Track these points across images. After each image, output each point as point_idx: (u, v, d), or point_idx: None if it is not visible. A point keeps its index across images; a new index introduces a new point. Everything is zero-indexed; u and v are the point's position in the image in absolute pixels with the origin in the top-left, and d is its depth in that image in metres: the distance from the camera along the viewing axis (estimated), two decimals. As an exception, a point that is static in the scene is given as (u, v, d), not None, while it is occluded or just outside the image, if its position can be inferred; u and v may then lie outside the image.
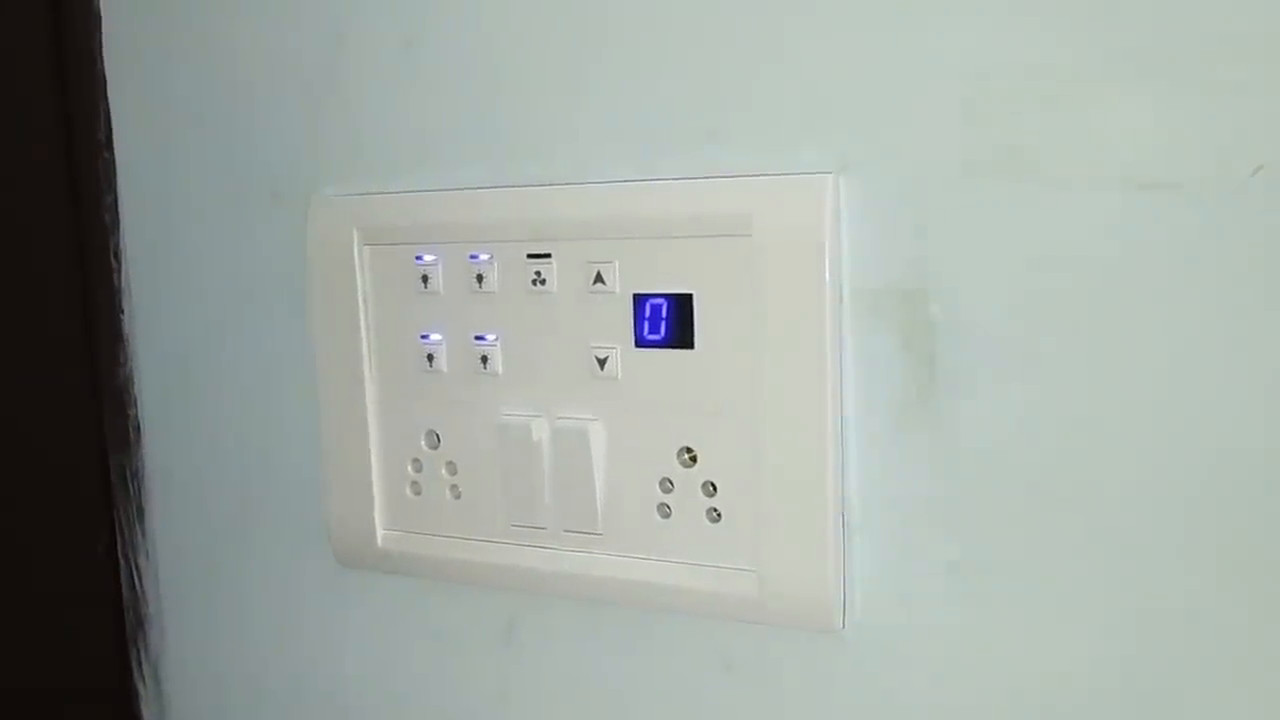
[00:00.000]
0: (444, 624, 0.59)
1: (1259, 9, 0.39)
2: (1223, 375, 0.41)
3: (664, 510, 0.51)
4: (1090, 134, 0.42)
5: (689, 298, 0.49)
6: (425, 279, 0.55)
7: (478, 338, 0.54)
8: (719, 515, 0.50)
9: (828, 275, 0.46)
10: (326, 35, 0.57)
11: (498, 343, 0.53)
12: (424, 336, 0.55)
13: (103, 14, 0.64)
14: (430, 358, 0.55)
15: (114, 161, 0.66)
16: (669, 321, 0.50)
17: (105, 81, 0.65)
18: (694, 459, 0.50)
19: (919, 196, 0.45)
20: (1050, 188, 0.43)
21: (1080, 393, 0.44)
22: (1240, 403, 0.41)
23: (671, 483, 0.51)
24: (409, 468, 0.57)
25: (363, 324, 0.57)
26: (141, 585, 0.69)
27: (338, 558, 0.60)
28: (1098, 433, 0.43)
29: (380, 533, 0.58)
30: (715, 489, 0.50)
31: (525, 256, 0.52)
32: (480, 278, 0.53)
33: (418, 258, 0.55)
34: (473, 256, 0.53)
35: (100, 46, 0.65)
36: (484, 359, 0.54)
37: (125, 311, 0.67)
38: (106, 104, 0.65)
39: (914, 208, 0.45)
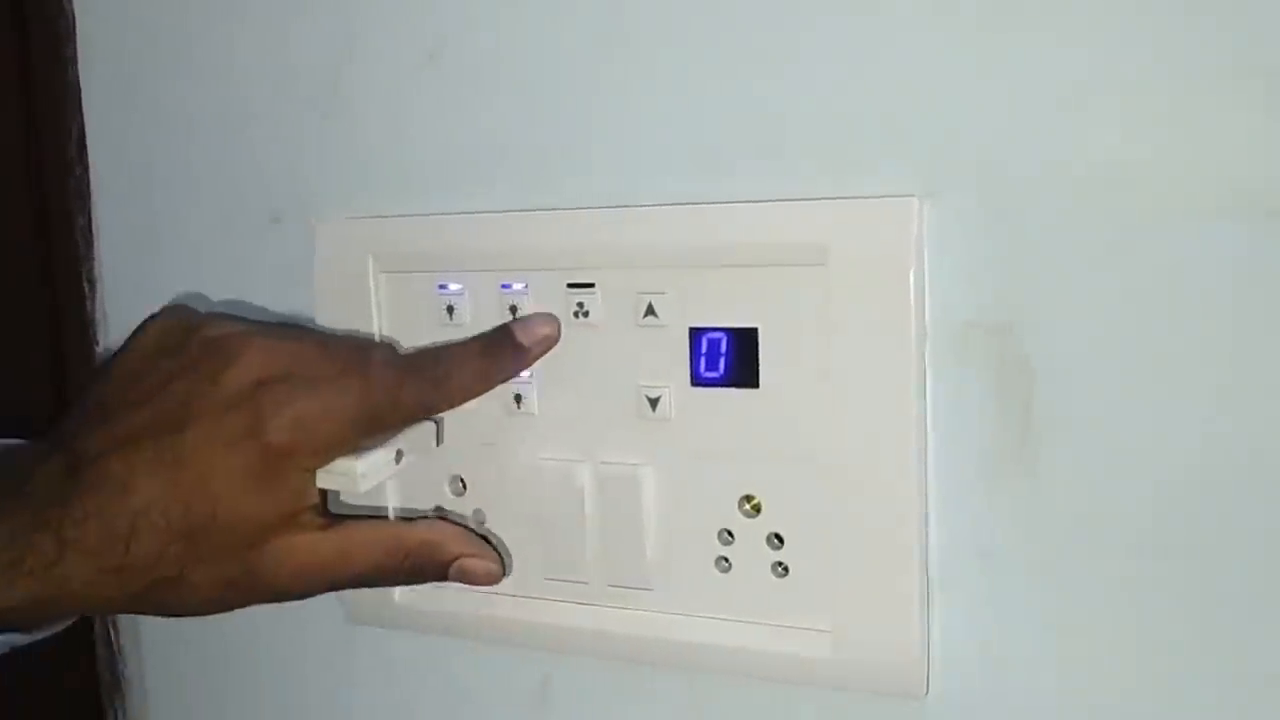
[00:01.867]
0: (469, 686, 0.54)
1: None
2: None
3: (723, 564, 0.47)
4: (1205, 155, 0.39)
5: (753, 332, 0.45)
6: (450, 310, 0.50)
7: (511, 375, 0.49)
8: (786, 570, 0.46)
9: (912, 308, 0.42)
10: (336, 45, 0.52)
11: (533, 380, 0.49)
12: (448, 373, 0.50)
13: (76, 16, 0.58)
14: (456, 396, 0.50)
15: (87, 180, 0.60)
16: (729, 358, 0.45)
17: (79, 92, 0.59)
18: (757, 509, 0.46)
19: (1012, 222, 0.41)
20: (1159, 213, 0.39)
21: (1189, 439, 0.40)
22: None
23: (731, 534, 0.46)
24: (431, 515, 0.52)
25: (378, 359, 0.51)
26: (118, 641, 0.63)
27: (349, 615, 0.54)
28: (1208, 483, 0.40)
29: (398, 588, 0.53)
30: (781, 541, 0.46)
31: (566, 286, 0.47)
32: (514, 309, 0.49)
33: (441, 286, 0.50)
34: (505, 286, 0.49)
35: (74, 53, 0.59)
36: (518, 398, 0.49)
37: (100, 343, 0.61)
38: (80, 117, 0.59)
39: (1006, 234, 0.42)
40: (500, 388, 0.49)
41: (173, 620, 0.57)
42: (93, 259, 0.61)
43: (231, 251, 0.56)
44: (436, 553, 0.47)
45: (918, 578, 0.43)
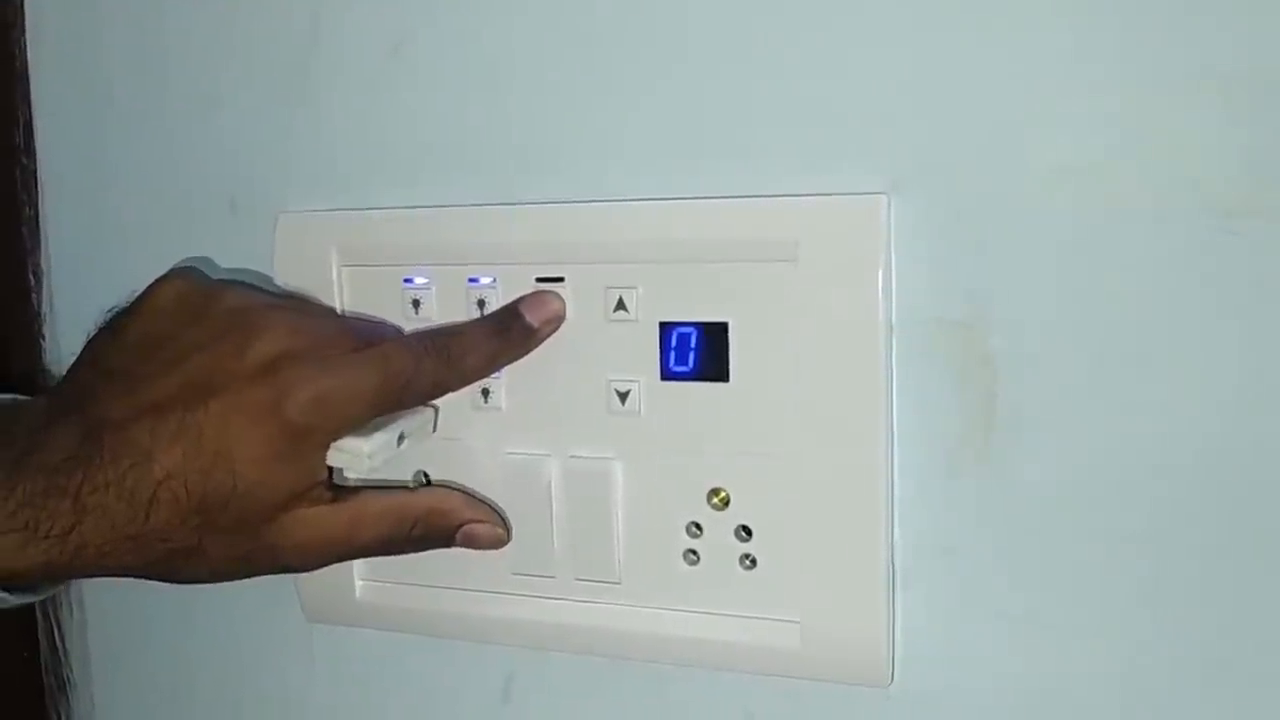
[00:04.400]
0: (431, 684, 0.53)
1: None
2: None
3: (691, 557, 0.47)
4: (1165, 156, 0.40)
5: (723, 326, 0.45)
6: (416, 304, 0.50)
7: (477, 369, 0.49)
8: (754, 562, 0.46)
9: (880, 304, 0.43)
10: (301, 33, 0.51)
11: (502, 374, 0.49)
12: (413, 367, 0.50)
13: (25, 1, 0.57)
14: (421, 391, 0.50)
15: (34, 169, 0.59)
16: (699, 352, 0.46)
17: (27, 78, 0.58)
18: (725, 502, 0.46)
19: (977, 220, 0.42)
20: (1119, 212, 0.41)
21: (1150, 433, 0.41)
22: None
23: (700, 527, 0.47)
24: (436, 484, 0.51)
25: (341, 354, 0.51)
26: (63, 643, 0.62)
27: (306, 612, 0.54)
28: (1170, 477, 0.41)
29: (359, 584, 0.52)
30: (749, 534, 0.46)
31: (534, 280, 0.48)
32: (482, 303, 0.48)
33: (407, 280, 0.50)
34: (472, 280, 0.49)
35: (22, 37, 0.57)
36: (485, 392, 0.49)
37: (46, 337, 0.60)
38: (28, 104, 0.58)
39: (971, 232, 0.43)
40: (466, 383, 0.49)
41: (120, 621, 0.56)
42: (39, 250, 0.59)
43: (188, 242, 0.55)
44: (443, 520, 0.47)
45: (883, 570, 0.44)
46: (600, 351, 0.47)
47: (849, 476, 0.44)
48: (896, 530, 0.44)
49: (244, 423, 0.42)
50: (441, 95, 0.49)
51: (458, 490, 0.49)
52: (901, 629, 0.45)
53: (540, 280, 0.47)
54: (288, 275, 0.52)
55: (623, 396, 0.47)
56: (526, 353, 0.47)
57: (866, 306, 0.43)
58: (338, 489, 0.46)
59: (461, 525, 0.47)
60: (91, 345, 0.45)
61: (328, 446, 0.44)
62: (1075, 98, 0.41)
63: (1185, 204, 0.40)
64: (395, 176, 0.51)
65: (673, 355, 0.46)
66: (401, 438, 0.46)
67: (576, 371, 0.47)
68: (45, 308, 0.60)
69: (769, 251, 0.44)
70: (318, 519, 0.44)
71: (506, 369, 0.48)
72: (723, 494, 0.46)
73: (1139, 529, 0.42)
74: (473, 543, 0.47)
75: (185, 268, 0.47)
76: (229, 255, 0.54)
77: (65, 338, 0.59)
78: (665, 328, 0.46)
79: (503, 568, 0.50)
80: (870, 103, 0.43)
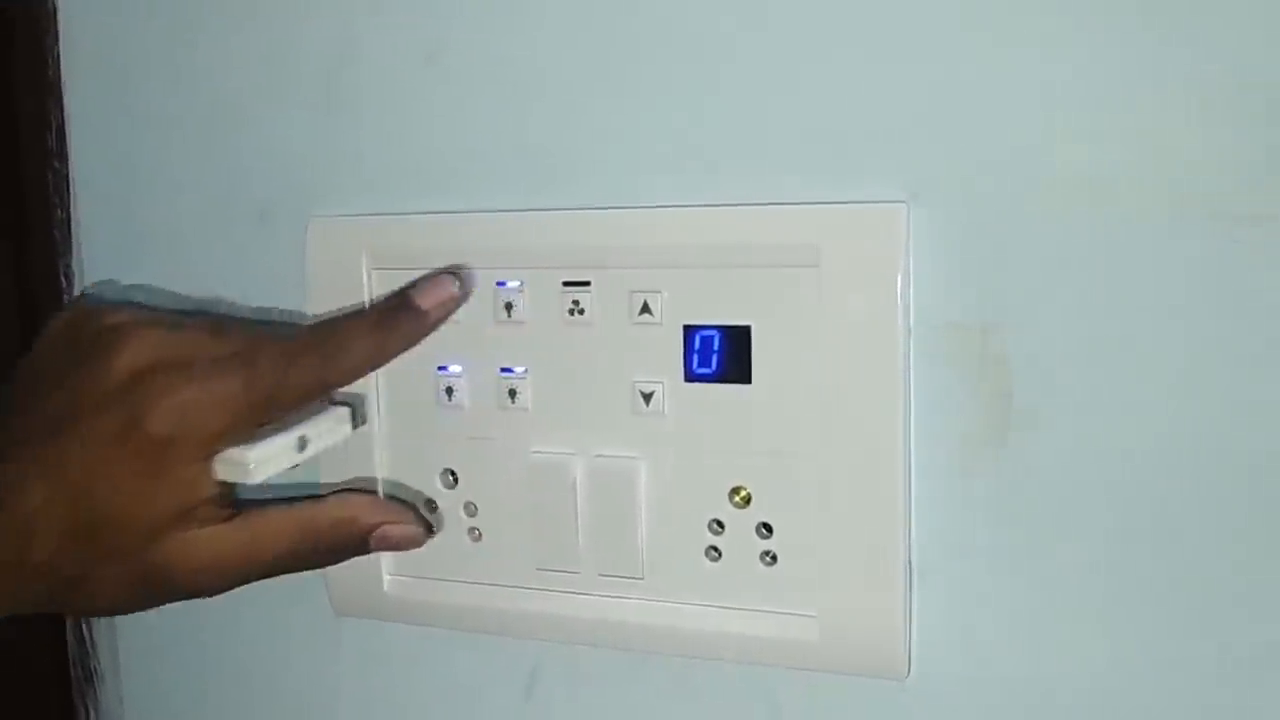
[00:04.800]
0: (457, 677, 0.55)
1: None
2: (1318, 415, 0.41)
3: (713, 553, 0.48)
4: (1175, 164, 0.41)
5: (746, 330, 0.47)
6: (445, 307, 0.51)
7: (504, 370, 0.50)
8: (774, 559, 0.48)
9: (899, 309, 0.44)
10: (335, 43, 0.52)
11: (528, 375, 0.50)
12: (442, 369, 0.51)
13: (59, 4, 0.58)
14: (449, 391, 0.51)
15: (67, 174, 0.60)
16: (722, 355, 0.47)
17: (60, 84, 0.59)
18: (747, 500, 0.48)
19: (993, 228, 0.44)
20: (1131, 219, 0.42)
21: (1159, 434, 0.43)
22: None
23: (722, 524, 0.48)
24: (422, 509, 0.53)
25: (370, 354, 0.52)
26: (91, 636, 0.63)
27: (334, 605, 0.55)
28: (1179, 476, 0.43)
29: (386, 578, 0.54)
30: (770, 531, 0.47)
31: (561, 284, 0.49)
32: (509, 306, 0.50)
33: (435, 283, 0.51)
34: (500, 284, 0.50)
35: (55, 45, 0.59)
36: (512, 393, 0.50)
37: (76, 337, 0.61)
38: (61, 110, 0.59)
39: (988, 239, 0.44)
40: (494, 383, 0.50)
41: (149, 614, 0.57)
42: (70, 252, 0.60)
43: (219, 246, 0.56)
44: (352, 527, 0.47)
45: (900, 565, 0.45)
46: (625, 354, 0.48)
47: (867, 475, 0.45)
48: (914, 528, 0.46)
49: (103, 445, 0.41)
50: (471, 104, 0.51)
51: (367, 494, 0.49)
52: (918, 623, 0.46)
53: (566, 284, 0.49)
54: (318, 279, 0.53)
55: (647, 398, 0.48)
56: (419, 340, 0.46)
57: (885, 311, 0.44)
58: (235, 507, 0.45)
59: (373, 529, 0.47)
60: None
61: (204, 459, 0.42)
62: (1087, 112, 0.42)
63: (1193, 213, 0.41)
64: (425, 183, 0.52)
65: (696, 358, 0.48)
66: (304, 441, 0.45)
67: (602, 373, 0.49)
68: (76, 308, 0.61)
69: (791, 257, 0.45)
70: (210, 539, 0.43)
71: (533, 371, 0.50)
72: (744, 492, 0.48)
73: (1150, 528, 0.43)
74: (388, 544, 0.47)
75: (83, 296, 0.46)
76: (258, 259, 0.55)
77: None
78: (689, 331, 0.47)
79: (528, 563, 0.51)
80: (890, 115, 0.44)
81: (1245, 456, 0.42)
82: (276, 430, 0.44)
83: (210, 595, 0.45)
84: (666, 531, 0.49)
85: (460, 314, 0.50)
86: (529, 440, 0.50)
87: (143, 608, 0.45)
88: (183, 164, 0.57)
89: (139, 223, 0.58)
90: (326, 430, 0.47)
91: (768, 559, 0.48)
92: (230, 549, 0.44)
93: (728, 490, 0.48)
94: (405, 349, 0.46)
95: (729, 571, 0.48)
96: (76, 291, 0.60)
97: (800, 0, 0.45)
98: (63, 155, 0.60)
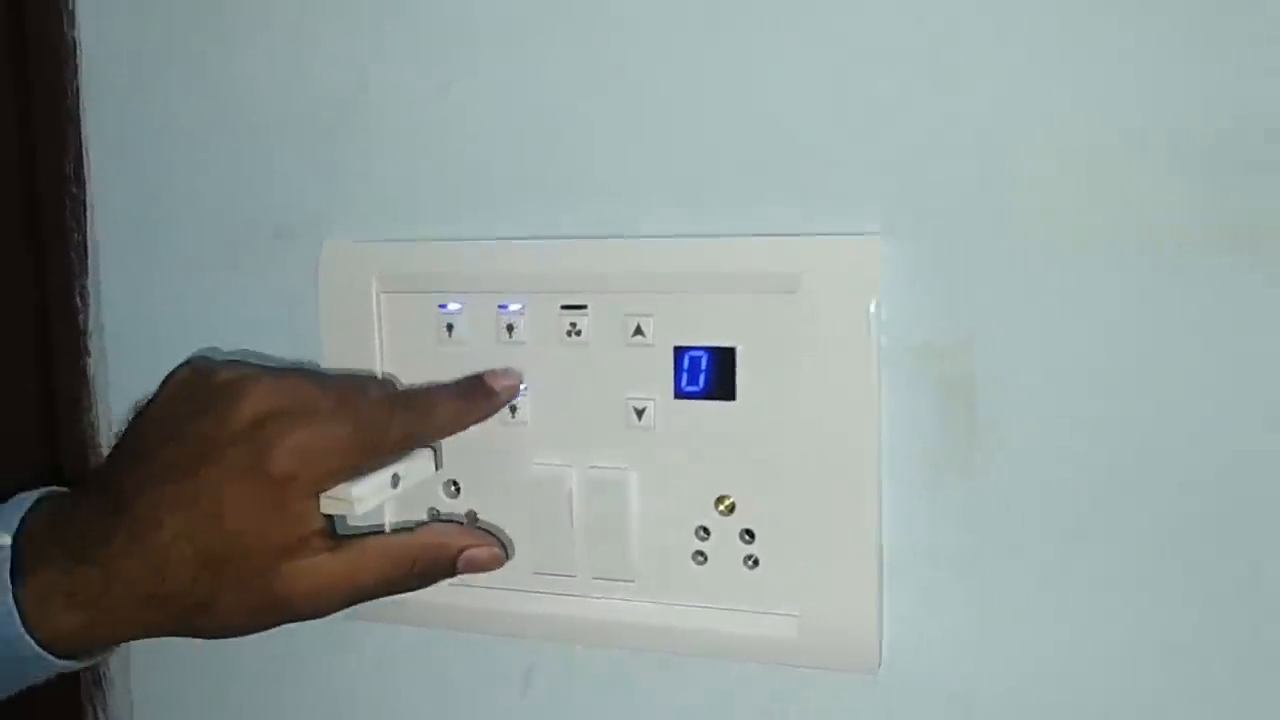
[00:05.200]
0: (455, 675, 0.58)
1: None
2: (1251, 431, 0.45)
3: (699, 558, 0.52)
4: (1125, 204, 0.46)
5: (731, 351, 0.51)
6: (450, 328, 0.55)
7: (506, 387, 0.54)
8: (756, 562, 0.51)
9: (872, 332, 0.48)
10: (350, 70, 0.56)
11: (528, 392, 0.54)
12: (448, 386, 0.55)
13: (80, 38, 0.62)
14: (454, 407, 0.55)
15: (84, 198, 0.63)
16: (709, 374, 0.51)
17: (78, 111, 0.62)
18: (731, 508, 0.52)
19: (960, 257, 0.48)
20: (1086, 249, 0.46)
21: (1114, 446, 0.47)
22: (1273, 455, 0.45)
23: (707, 531, 0.52)
24: (424, 517, 0.56)
25: (379, 373, 0.56)
26: (100, 641, 0.66)
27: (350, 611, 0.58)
28: (1132, 485, 0.47)
29: (392, 583, 0.57)
30: (753, 537, 0.51)
31: (560, 308, 0.53)
32: (510, 328, 0.54)
33: (441, 306, 0.55)
34: (502, 307, 0.54)
35: (75, 78, 0.62)
36: (513, 408, 0.54)
37: (90, 354, 0.64)
38: (79, 135, 0.62)
39: (955, 268, 0.48)
40: (496, 399, 0.54)
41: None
42: (86, 274, 0.64)
43: (233, 268, 0.60)
44: (441, 552, 0.51)
45: (873, 568, 0.49)
46: (619, 372, 0.52)
47: (843, 485, 0.49)
48: (886, 533, 0.50)
49: (232, 482, 0.46)
50: (479, 136, 0.54)
51: (454, 522, 0.54)
52: (889, 622, 0.50)
53: (565, 307, 0.53)
54: (330, 300, 0.57)
55: (639, 413, 0.52)
56: (488, 415, 0.53)
57: (860, 333, 0.48)
58: (338, 538, 0.50)
59: (460, 553, 0.51)
60: (119, 436, 0.51)
61: (314, 496, 0.48)
62: (1045, 154, 0.46)
63: (1141, 245, 0.46)
64: (434, 209, 0.56)
65: (685, 376, 0.51)
66: (396, 479, 0.50)
67: (598, 390, 0.53)
68: (91, 325, 0.64)
69: (773, 284, 0.49)
70: (318, 567, 0.48)
71: (533, 388, 0.53)
72: (729, 501, 0.52)
73: (1104, 532, 0.47)
74: (474, 566, 0.52)
75: (197, 357, 0.52)
76: (272, 281, 0.59)
77: (111, 354, 0.64)
78: (679, 351, 0.51)
79: (526, 567, 0.55)
80: (865, 156, 0.49)
81: (1192, 466, 0.46)
82: (373, 468, 0.50)
83: (318, 617, 0.50)
84: (656, 537, 0.53)
85: (465, 335, 0.54)
86: (529, 453, 0.54)
87: (258, 630, 0.49)
88: (198, 188, 0.60)
89: (154, 245, 0.62)
90: (416, 469, 0.52)
91: (750, 563, 0.52)
92: (335, 576, 0.49)
93: (713, 499, 0.52)
94: (479, 420, 0.53)
95: (714, 574, 0.52)
96: (93, 310, 0.63)
97: (785, 50, 0.49)
98: (80, 180, 0.63)
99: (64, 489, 0.51)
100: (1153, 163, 0.45)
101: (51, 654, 0.47)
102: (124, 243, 0.63)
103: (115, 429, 0.64)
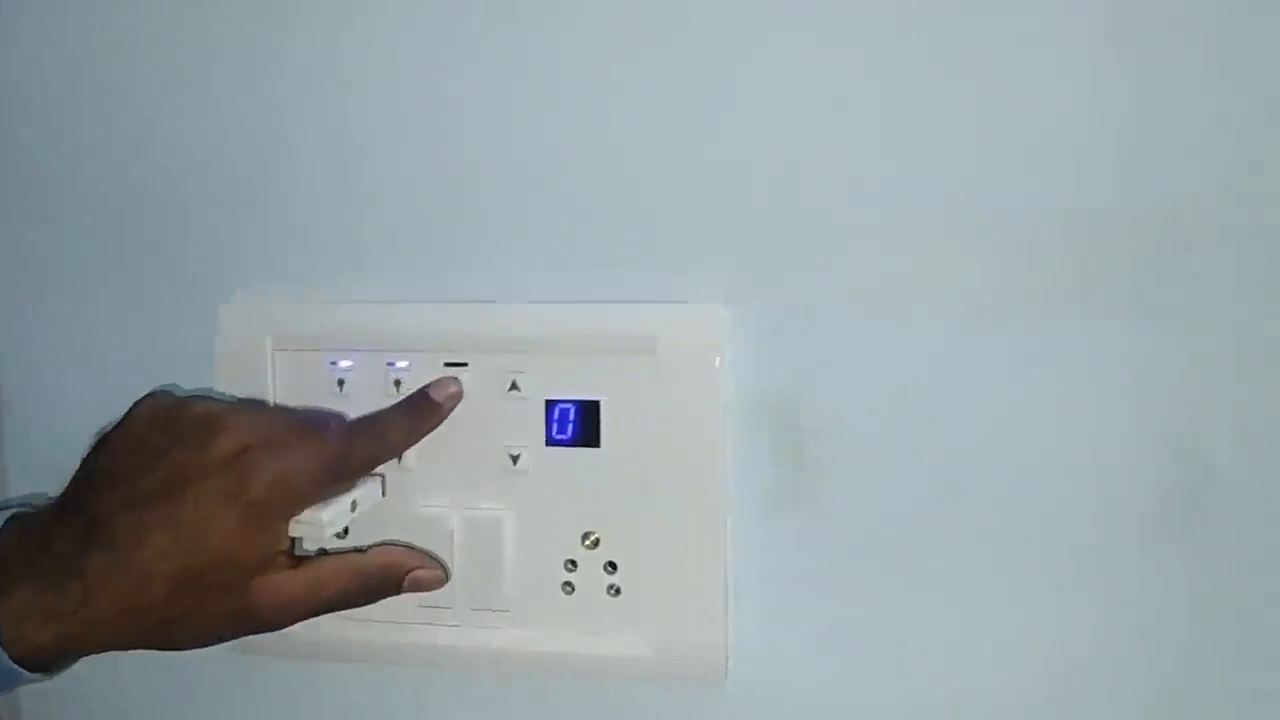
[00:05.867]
0: (352, 706, 0.63)
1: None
2: (1038, 467, 0.54)
3: (568, 588, 0.59)
4: (932, 273, 0.55)
5: (596, 404, 0.57)
6: (341, 383, 0.60)
7: (392, 437, 0.60)
8: (618, 591, 0.58)
9: (719, 387, 0.56)
10: (254, 140, 0.62)
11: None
12: (337, 436, 0.60)
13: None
14: (343, 455, 0.60)
15: (-19, 256, 0.66)
16: (576, 424, 0.58)
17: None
18: (596, 543, 0.58)
19: (796, 322, 0.56)
20: (896, 321, 0.55)
21: (921, 483, 0.55)
22: (1047, 483, 0.54)
23: (575, 563, 0.58)
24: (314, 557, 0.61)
25: (273, 424, 0.61)
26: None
27: (239, 645, 0.62)
28: (937, 515, 0.55)
29: (283, 619, 0.62)
30: (615, 568, 0.58)
31: (443, 364, 0.59)
32: (398, 383, 0.59)
33: (333, 363, 0.60)
34: (390, 364, 0.59)
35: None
36: (399, 457, 0.59)
37: (-9, 409, 0.67)
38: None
39: (790, 331, 0.56)
40: (382, 448, 0.59)
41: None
42: (-15, 329, 0.67)
43: (134, 328, 0.64)
44: (393, 571, 0.57)
45: (720, 593, 0.57)
46: (497, 423, 0.59)
47: (694, 520, 0.57)
48: (732, 561, 0.57)
49: (214, 506, 0.51)
50: (373, 206, 0.60)
51: (402, 545, 0.59)
52: (735, 639, 0.58)
53: (448, 364, 0.59)
54: (226, 357, 0.61)
55: (514, 459, 0.58)
56: (437, 425, 0.58)
57: (708, 388, 0.56)
58: (301, 556, 0.55)
59: (408, 574, 0.57)
60: (86, 459, 0.54)
61: (287, 520, 0.53)
62: (864, 235, 0.55)
63: (940, 314, 0.54)
64: (328, 273, 0.61)
65: (555, 426, 0.58)
66: (354, 505, 0.56)
67: (477, 439, 0.59)
68: (-10, 382, 0.67)
69: (633, 345, 0.57)
70: (284, 583, 0.53)
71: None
72: (594, 536, 0.58)
73: (923, 551, 0.56)
74: (419, 586, 0.57)
75: (159, 390, 0.56)
76: (173, 340, 0.63)
77: (6, 410, 0.67)
78: (550, 404, 0.58)
79: (410, 601, 0.60)
80: (715, 234, 0.57)
81: (990, 496, 0.55)
82: (336, 493, 0.55)
83: (281, 629, 0.54)
84: (529, 570, 0.59)
85: (356, 390, 0.60)
86: (414, 496, 0.60)
87: (226, 640, 0.54)
88: (98, 247, 0.64)
89: (53, 302, 0.65)
90: (368, 495, 0.57)
91: (613, 591, 0.58)
92: (299, 590, 0.54)
93: (580, 535, 0.58)
94: (429, 432, 0.58)
95: (581, 602, 0.58)
96: (-12, 366, 0.67)
97: (640, 138, 0.57)
98: (-21, 243, 0.66)
99: (28, 507, 0.54)
100: (954, 241, 0.54)
101: (24, 668, 0.50)
102: (20, 299, 0.66)
103: (11, 482, 0.67)
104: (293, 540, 0.54)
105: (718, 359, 0.56)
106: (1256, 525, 0.53)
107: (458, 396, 0.59)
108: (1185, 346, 0.53)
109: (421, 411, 0.58)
